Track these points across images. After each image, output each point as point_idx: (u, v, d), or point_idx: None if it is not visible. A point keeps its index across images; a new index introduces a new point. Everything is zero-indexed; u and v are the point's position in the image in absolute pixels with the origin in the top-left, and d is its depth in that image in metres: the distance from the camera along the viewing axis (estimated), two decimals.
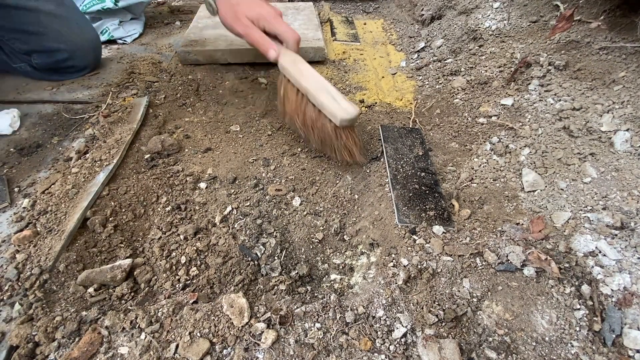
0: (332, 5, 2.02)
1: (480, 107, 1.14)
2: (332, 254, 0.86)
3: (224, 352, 0.61)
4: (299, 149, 1.09)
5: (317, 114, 0.91)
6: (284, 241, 0.86)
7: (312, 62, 1.49)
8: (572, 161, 0.87)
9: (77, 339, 0.63)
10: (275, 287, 0.76)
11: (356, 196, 0.97)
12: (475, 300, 0.67)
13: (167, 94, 1.27)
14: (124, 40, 1.60)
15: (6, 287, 0.70)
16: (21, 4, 1.14)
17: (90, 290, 0.72)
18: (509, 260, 0.71)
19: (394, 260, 0.77)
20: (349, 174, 1.02)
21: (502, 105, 1.10)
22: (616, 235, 0.72)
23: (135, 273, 0.76)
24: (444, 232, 0.80)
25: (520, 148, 0.95)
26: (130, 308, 0.69)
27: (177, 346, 0.61)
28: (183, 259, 0.79)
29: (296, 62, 0.91)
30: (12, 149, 1.02)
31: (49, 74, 1.28)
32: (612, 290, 0.65)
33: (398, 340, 0.62)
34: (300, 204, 0.94)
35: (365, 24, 1.88)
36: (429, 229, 0.81)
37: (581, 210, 0.79)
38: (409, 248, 0.78)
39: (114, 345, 0.62)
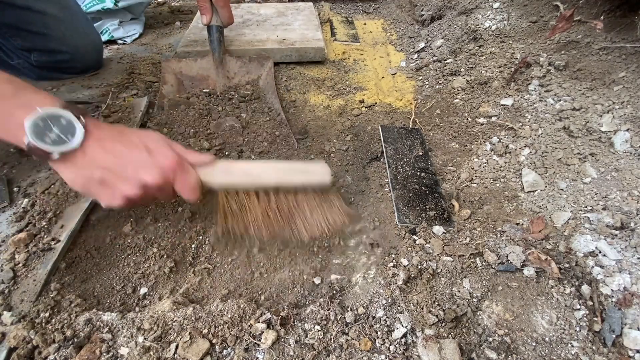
0: (332, 5, 2.02)
1: (480, 107, 1.14)
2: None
3: (224, 352, 0.61)
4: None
5: (294, 198, 0.75)
6: None
7: (312, 62, 1.49)
8: (572, 161, 0.87)
9: (77, 341, 0.63)
10: None
11: (356, 196, 0.97)
12: (475, 300, 0.67)
13: None
14: (124, 41, 1.61)
15: (5, 288, 0.70)
16: (28, 4, 1.15)
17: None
18: (509, 260, 0.71)
19: (394, 261, 0.77)
20: (349, 174, 1.02)
21: (502, 105, 1.10)
22: (616, 235, 0.72)
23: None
24: (444, 232, 0.80)
25: (520, 148, 0.95)
26: (131, 309, 0.70)
27: (177, 346, 0.61)
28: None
29: (231, 169, 0.70)
30: (12, 149, 1.02)
31: (48, 72, 1.28)
32: (612, 290, 0.65)
33: (398, 340, 0.62)
34: None
35: (365, 24, 1.88)
36: (429, 229, 0.81)
37: (581, 210, 0.79)
38: (409, 248, 0.78)
39: (114, 346, 0.62)
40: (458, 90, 1.23)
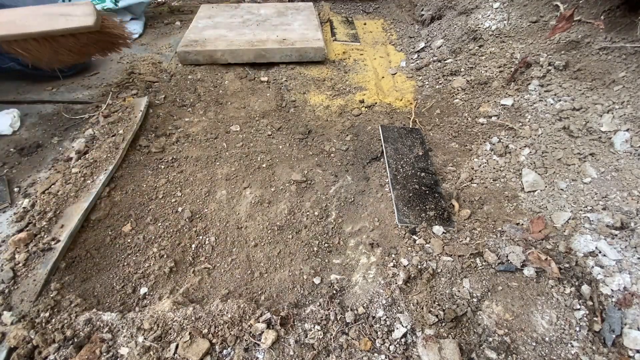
0: (332, 5, 2.02)
1: (480, 107, 1.14)
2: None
3: (224, 352, 0.61)
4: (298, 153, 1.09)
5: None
6: None
7: (312, 62, 1.49)
8: (572, 161, 0.87)
9: (77, 341, 0.63)
10: None
11: (356, 196, 0.97)
12: (475, 300, 0.67)
13: (167, 94, 1.27)
14: None
15: (5, 288, 0.70)
16: (1, 2, 1.14)
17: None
18: (509, 260, 0.71)
19: (394, 261, 0.77)
20: (349, 174, 1.02)
21: (502, 105, 1.10)
22: (616, 235, 0.72)
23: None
24: (444, 232, 0.80)
25: (520, 148, 0.95)
26: (131, 308, 0.70)
27: (177, 346, 0.61)
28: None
29: None
30: (12, 149, 1.02)
31: (37, 71, 1.27)
32: (612, 290, 0.65)
33: (398, 340, 0.62)
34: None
35: (365, 24, 1.88)
36: (429, 229, 0.81)
37: (581, 210, 0.79)
38: (409, 248, 0.78)
39: (114, 346, 0.62)
40: (458, 90, 1.23)
